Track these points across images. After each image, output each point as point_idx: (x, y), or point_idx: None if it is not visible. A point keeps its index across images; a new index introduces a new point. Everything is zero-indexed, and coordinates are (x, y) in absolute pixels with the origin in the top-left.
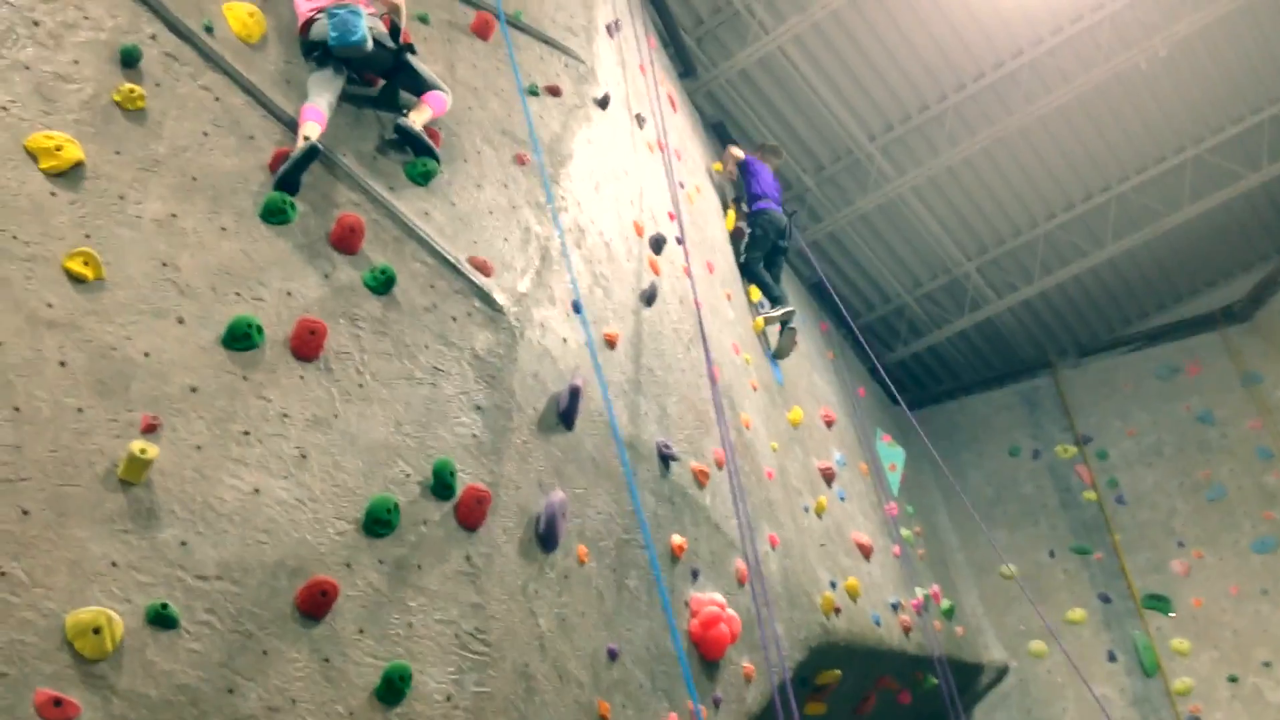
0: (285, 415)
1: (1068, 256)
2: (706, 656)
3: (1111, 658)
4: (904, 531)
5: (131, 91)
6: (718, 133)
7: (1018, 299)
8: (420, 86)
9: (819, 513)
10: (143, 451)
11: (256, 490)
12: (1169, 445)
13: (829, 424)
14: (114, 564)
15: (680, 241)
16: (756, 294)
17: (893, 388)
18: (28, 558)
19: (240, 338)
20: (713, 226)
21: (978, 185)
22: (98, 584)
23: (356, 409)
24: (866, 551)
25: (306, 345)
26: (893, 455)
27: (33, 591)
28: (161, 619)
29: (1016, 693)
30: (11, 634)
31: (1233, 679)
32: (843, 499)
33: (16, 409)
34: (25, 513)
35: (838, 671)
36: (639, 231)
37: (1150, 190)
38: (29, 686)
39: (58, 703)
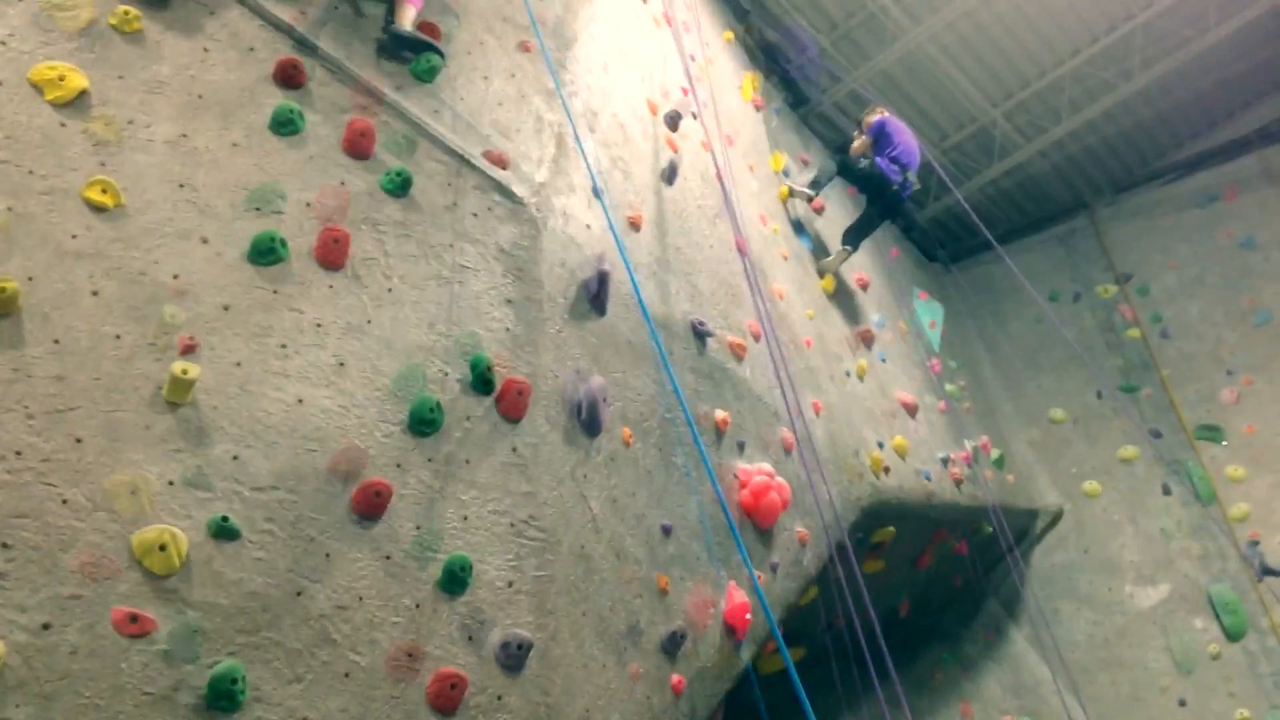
0: (319, 325)
1: (1096, 92)
2: (760, 525)
3: (1166, 491)
4: (948, 386)
5: (127, 13)
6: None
7: (1048, 141)
8: None
9: (860, 376)
10: (185, 372)
11: (300, 400)
12: (1212, 274)
13: (864, 287)
14: (171, 483)
15: (696, 116)
16: (780, 162)
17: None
18: (86, 484)
19: (265, 252)
20: (729, 97)
21: (998, 27)
22: (158, 503)
23: (389, 313)
24: (911, 409)
25: (332, 254)
26: (931, 312)
27: (96, 516)
28: (224, 531)
29: (1073, 534)
30: (81, 557)
31: None
32: (884, 360)
33: (56, 341)
34: (79, 440)
35: (892, 529)
36: (653, 110)
37: (1175, 14)
38: (105, 605)
39: (134, 619)
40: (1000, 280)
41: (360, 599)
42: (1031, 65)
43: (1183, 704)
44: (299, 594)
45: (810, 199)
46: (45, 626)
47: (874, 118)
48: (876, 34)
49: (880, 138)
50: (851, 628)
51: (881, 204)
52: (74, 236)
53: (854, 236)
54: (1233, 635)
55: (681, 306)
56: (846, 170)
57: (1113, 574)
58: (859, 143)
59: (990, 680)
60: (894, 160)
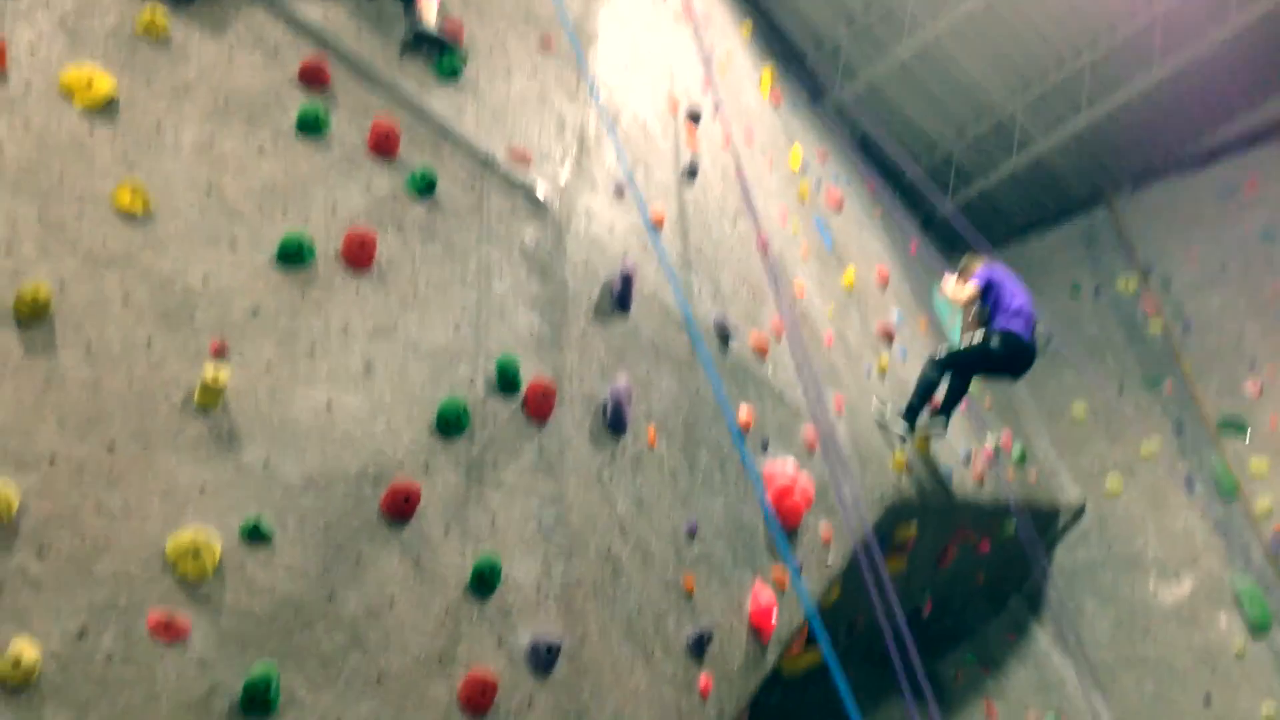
0: (346, 329)
1: (1115, 83)
2: (784, 525)
3: (1189, 486)
4: None
5: (154, 16)
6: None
7: (1066, 133)
8: None
9: (882, 372)
10: (215, 380)
11: (329, 404)
12: (1234, 266)
13: (884, 283)
14: (203, 488)
15: (716, 111)
16: (798, 158)
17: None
18: (120, 489)
19: (292, 256)
20: (747, 93)
21: (1015, 18)
22: (191, 508)
23: (415, 316)
24: (933, 406)
25: (358, 257)
26: (951, 308)
27: (129, 521)
28: (256, 534)
29: (1095, 530)
30: (116, 563)
31: None
32: (904, 357)
33: (88, 347)
34: (111, 447)
35: (914, 527)
36: (673, 108)
37: (1195, 4)
38: (141, 611)
39: (168, 625)
40: (1020, 273)
41: (391, 602)
42: (1050, 56)
43: (1207, 702)
44: (331, 598)
45: (907, 435)
46: (80, 633)
47: (978, 267)
48: (894, 27)
49: (991, 290)
50: (875, 627)
51: (1005, 368)
52: (104, 243)
53: (945, 407)
54: (1258, 630)
55: (704, 306)
56: (954, 360)
57: (1136, 570)
58: (966, 291)
59: (1014, 679)
60: (1017, 315)
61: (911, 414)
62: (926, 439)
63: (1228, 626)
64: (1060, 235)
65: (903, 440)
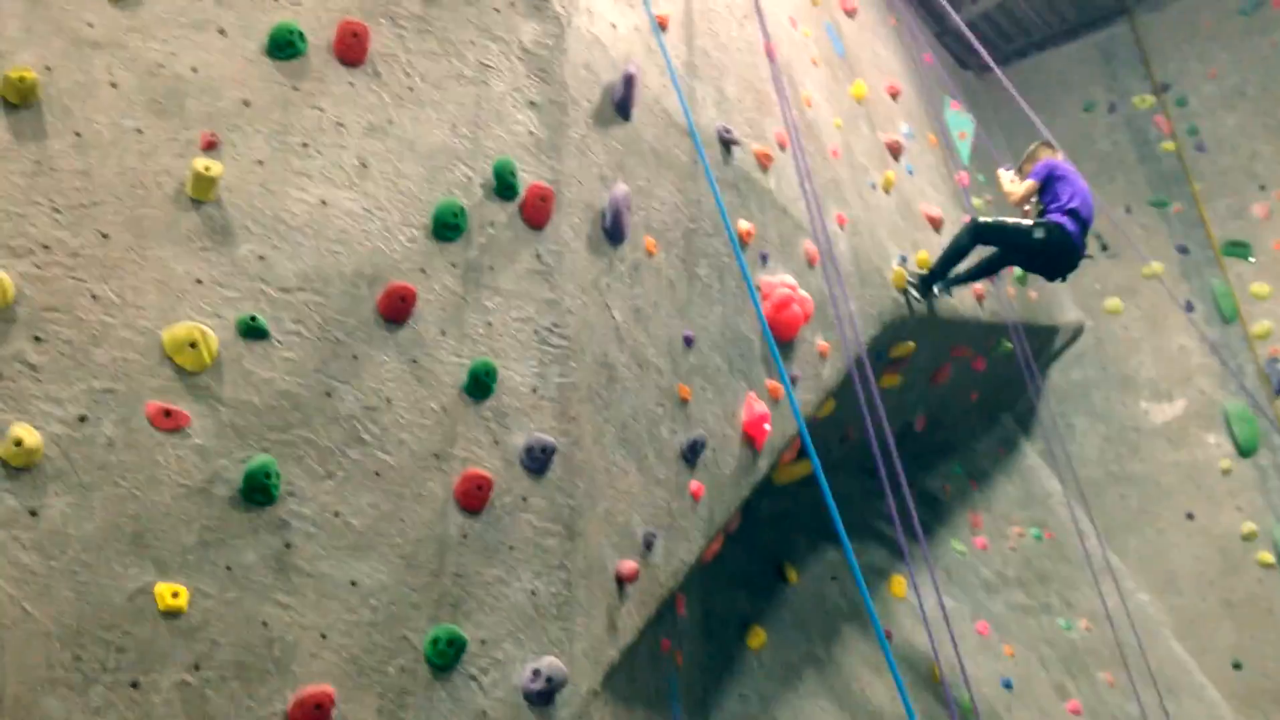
0: (340, 124)
1: None
2: (781, 338)
3: (1189, 308)
4: (975, 201)
5: None
6: None
7: None
8: None
9: (886, 189)
10: (207, 169)
11: (324, 202)
12: (1253, 85)
13: (894, 96)
14: (198, 280)
15: None
16: None
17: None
18: (116, 279)
19: (284, 46)
20: None
21: None
22: (186, 300)
23: (410, 113)
24: (936, 224)
25: (351, 50)
26: (962, 123)
27: (126, 311)
28: (252, 330)
29: (1093, 350)
30: (114, 352)
31: None
32: (911, 173)
33: (78, 134)
34: (105, 236)
35: (911, 344)
36: None
37: None
38: (139, 400)
39: (168, 413)
40: (1034, 89)
41: (388, 401)
42: None
43: (1190, 517)
44: (328, 394)
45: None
46: (81, 419)
47: (1040, 160)
48: None
49: (1049, 185)
50: (867, 439)
51: (1044, 264)
52: (90, 25)
53: (955, 278)
54: (1245, 450)
55: (708, 113)
56: (993, 235)
57: (1129, 390)
58: (1022, 188)
59: (1001, 492)
60: (1071, 214)
61: (932, 277)
62: (905, 277)
63: (1215, 447)
64: (1078, 49)
65: (916, 299)
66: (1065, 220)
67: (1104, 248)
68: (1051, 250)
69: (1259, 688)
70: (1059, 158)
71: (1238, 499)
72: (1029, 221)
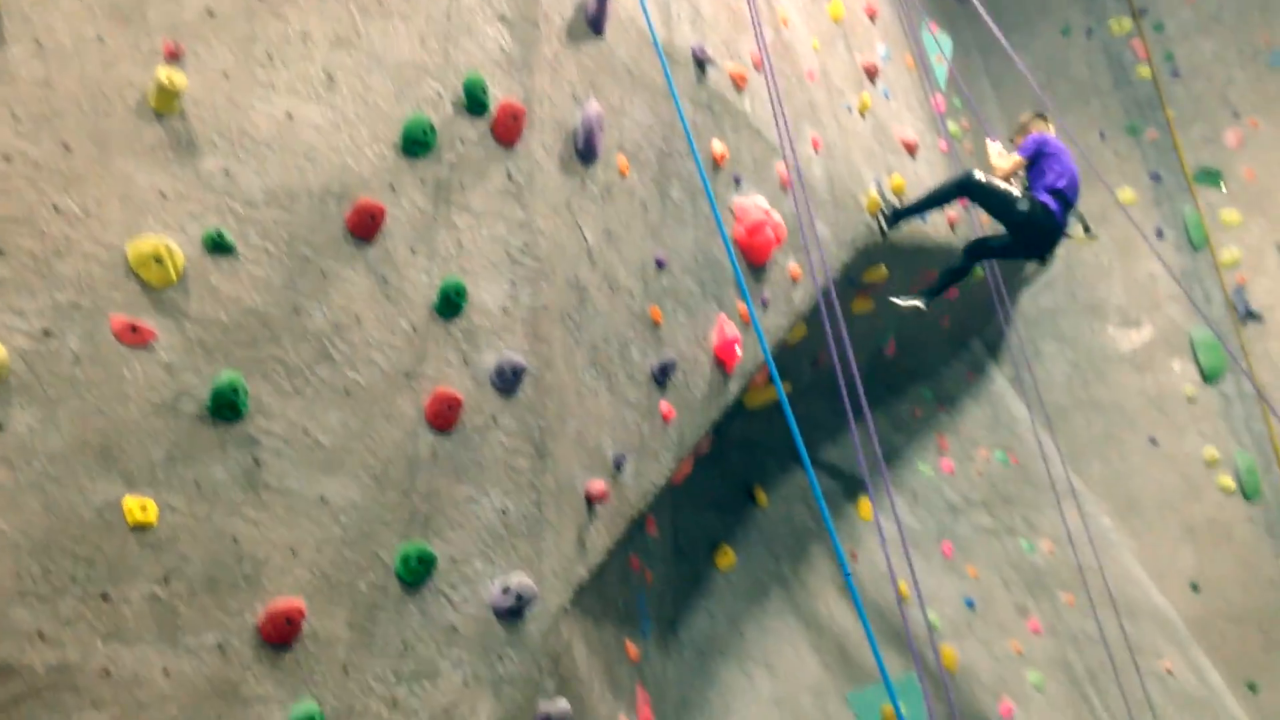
0: (306, 35)
1: None
2: (753, 261)
3: (1160, 235)
4: (950, 126)
5: None
6: None
7: None
8: None
9: (862, 112)
10: (170, 81)
11: (290, 115)
12: (1229, 11)
13: (872, 17)
14: (163, 194)
15: None
16: None
17: None
18: (78, 191)
19: None
20: None
21: None
22: (151, 214)
23: (378, 26)
24: (911, 149)
25: None
26: (940, 46)
27: (89, 224)
28: (218, 245)
29: (1062, 278)
30: (78, 265)
31: None
32: (887, 96)
33: (38, 41)
34: (67, 147)
35: (884, 269)
36: None
37: None
38: (103, 314)
39: (134, 329)
40: (1011, 10)
41: (358, 319)
42: None
43: (1154, 442)
44: (296, 311)
45: (919, 306)
46: (46, 332)
47: (1031, 134)
48: None
49: (1037, 161)
50: (834, 366)
51: (1023, 244)
52: None
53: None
54: (1209, 377)
55: (683, 31)
56: (979, 194)
57: (1096, 317)
58: (1009, 162)
59: (968, 416)
60: (1056, 194)
61: (906, 213)
62: (879, 204)
63: (1180, 373)
64: None
65: (880, 232)
66: (1049, 199)
67: (1086, 229)
68: (1033, 227)
69: (1216, 609)
70: (1051, 131)
71: (1201, 425)
72: (1018, 191)
